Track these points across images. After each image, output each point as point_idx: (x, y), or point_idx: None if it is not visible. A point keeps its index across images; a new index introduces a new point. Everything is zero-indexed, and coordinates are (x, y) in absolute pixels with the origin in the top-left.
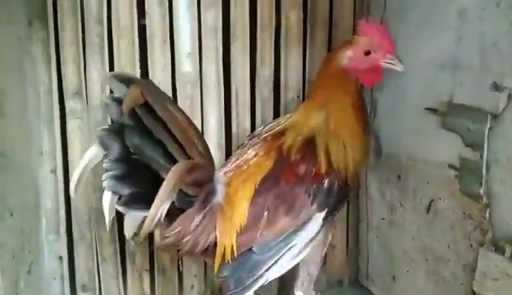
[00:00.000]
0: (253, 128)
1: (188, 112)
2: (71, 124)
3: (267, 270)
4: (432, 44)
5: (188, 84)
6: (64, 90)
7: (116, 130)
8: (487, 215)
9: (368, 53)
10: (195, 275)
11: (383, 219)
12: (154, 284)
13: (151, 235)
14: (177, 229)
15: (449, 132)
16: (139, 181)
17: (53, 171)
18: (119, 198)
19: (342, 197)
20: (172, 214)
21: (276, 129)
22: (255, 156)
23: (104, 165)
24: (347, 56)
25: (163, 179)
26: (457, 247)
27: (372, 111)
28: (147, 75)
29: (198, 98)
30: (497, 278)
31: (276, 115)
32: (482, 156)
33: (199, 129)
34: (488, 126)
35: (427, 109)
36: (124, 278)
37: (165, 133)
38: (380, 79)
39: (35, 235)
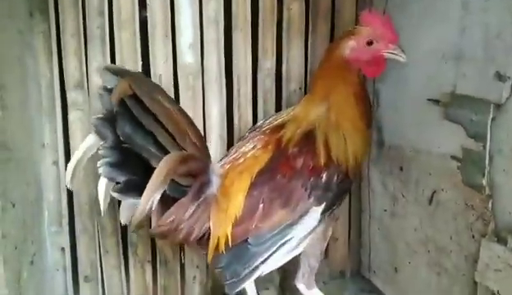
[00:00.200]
0: (255, 119)
1: (190, 104)
2: (73, 116)
3: (262, 263)
4: (435, 35)
5: (190, 76)
6: (65, 82)
7: (109, 119)
8: (490, 205)
9: (370, 43)
10: (197, 266)
11: (385, 210)
12: (156, 276)
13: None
14: (171, 218)
15: (451, 123)
16: (134, 169)
17: (55, 163)
18: (115, 185)
19: (342, 191)
20: (168, 202)
21: (276, 122)
22: (253, 148)
23: (99, 151)
24: (349, 47)
25: (155, 168)
26: (459, 238)
27: (375, 102)
28: (148, 67)
29: (200, 90)
30: (499, 268)
31: (278, 106)
32: (484, 147)
33: (201, 120)
34: (491, 116)
35: (429, 100)
36: (126, 269)
37: (155, 123)
38: (382, 69)
39: (38, 227)
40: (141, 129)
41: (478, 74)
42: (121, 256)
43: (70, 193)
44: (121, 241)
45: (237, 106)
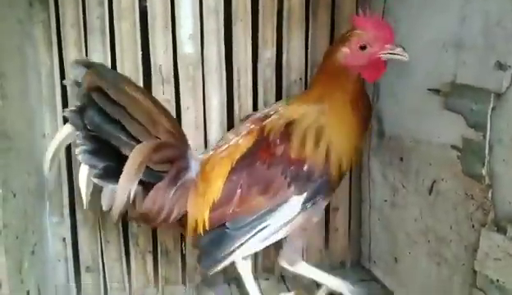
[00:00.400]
0: (255, 109)
1: (190, 94)
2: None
3: (239, 247)
4: (435, 25)
5: (190, 66)
6: (65, 72)
7: (79, 110)
8: (490, 195)
9: (363, 48)
10: None
11: (385, 201)
12: (157, 266)
13: None
14: (150, 202)
15: (451, 113)
16: (110, 156)
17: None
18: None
19: (326, 188)
20: (148, 186)
21: (265, 111)
22: (237, 136)
23: (76, 140)
24: (343, 54)
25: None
26: (459, 228)
27: (375, 93)
28: (148, 57)
29: (200, 80)
30: (499, 258)
31: (279, 96)
32: (484, 137)
33: (201, 110)
34: (491, 106)
35: (429, 90)
36: (127, 259)
37: (122, 113)
38: (382, 73)
39: (39, 217)
40: (109, 119)
41: (479, 63)
42: (123, 247)
43: (71, 184)
44: (122, 232)
45: (237, 97)
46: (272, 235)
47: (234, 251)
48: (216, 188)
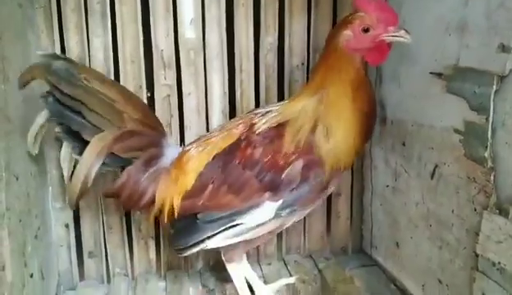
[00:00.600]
0: (257, 95)
1: (191, 79)
2: None
3: (208, 238)
4: (438, 7)
5: (191, 51)
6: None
7: (45, 98)
8: (492, 178)
9: (366, 30)
10: None
11: (387, 186)
12: (160, 251)
13: None
14: (119, 182)
15: (454, 96)
16: (80, 137)
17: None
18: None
19: (308, 197)
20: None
21: (263, 109)
22: (225, 130)
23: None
24: (345, 37)
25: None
26: (461, 212)
27: (378, 77)
28: (150, 42)
29: (202, 65)
30: (501, 240)
31: (281, 82)
32: (487, 120)
33: (203, 96)
34: (494, 89)
35: (432, 73)
36: (130, 245)
37: (78, 104)
38: (386, 55)
39: (41, 201)
40: (70, 109)
41: (482, 45)
42: (125, 233)
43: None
44: (124, 217)
45: (239, 82)
46: (242, 234)
47: (203, 241)
48: (189, 178)
